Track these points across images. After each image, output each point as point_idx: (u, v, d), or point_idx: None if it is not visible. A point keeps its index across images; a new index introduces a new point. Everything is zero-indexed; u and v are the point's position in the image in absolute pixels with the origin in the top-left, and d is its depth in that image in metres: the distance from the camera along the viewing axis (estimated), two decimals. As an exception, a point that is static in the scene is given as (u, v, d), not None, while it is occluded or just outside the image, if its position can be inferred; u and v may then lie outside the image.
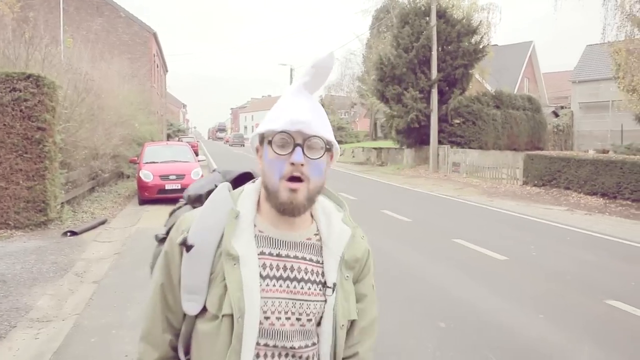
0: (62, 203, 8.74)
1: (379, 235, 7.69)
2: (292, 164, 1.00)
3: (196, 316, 1.05)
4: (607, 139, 24.94)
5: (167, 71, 39.84)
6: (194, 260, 1.04)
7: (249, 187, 1.12)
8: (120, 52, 22.52)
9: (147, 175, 10.97)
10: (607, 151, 21.03)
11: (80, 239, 7.38)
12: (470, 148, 20.84)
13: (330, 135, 1.06)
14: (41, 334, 3.90)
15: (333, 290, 1.07)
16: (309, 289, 1.06)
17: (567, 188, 14.03)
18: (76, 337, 3.85)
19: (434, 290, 5.30)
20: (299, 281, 1.06)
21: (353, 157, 31.43)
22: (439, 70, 20.41)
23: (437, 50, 20.38)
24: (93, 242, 7.20)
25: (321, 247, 1.10)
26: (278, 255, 1.06)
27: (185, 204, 1.27)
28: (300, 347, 1.05)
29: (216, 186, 1.15)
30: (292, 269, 1.06)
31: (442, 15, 20.87)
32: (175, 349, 1.11)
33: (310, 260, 1.08)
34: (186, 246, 1.04)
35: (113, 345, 3.68)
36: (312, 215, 1.13)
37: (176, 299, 1.07)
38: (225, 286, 1.01)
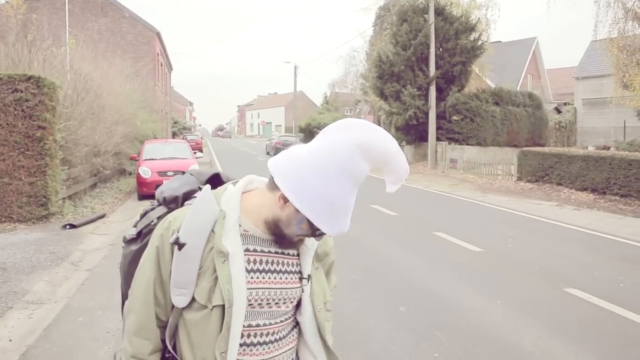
0: (63, 198, 9.18)
1: (363, 228, 8.04)
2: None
3: (183, 308, 1.15)
4: (610, 135, 24.91)
5: (171, 69, 40.29)
6: (184, 257, 1.12)
7: (231, 189, 1.20)
8: (123, 51, 23.03)
9: (146, 171, 11.40)
10: (609, 147, 21.10)
11: (78, 231, 7.80)
12: (468, 145, 21.05)
13: None
14: (34, 314, 4.31)
15: (308, 281, 1.24)
16: (288, 278, 1.21)
17: (559, 184, 14.25)
18: (65, 317, 4.27)
19: (402, 278, 5.63)
20: (279, 273, 1.20)
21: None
22: (437, 68, 20.63)
23: (435, 47, 20.60)
24: (91, 235, 7.62)
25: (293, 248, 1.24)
26: (262, 251, 1.18)
27: (159, 205, 1.32)
28: (276, 323, 1.20)
29: (200, 188, 1.25)
30: (272, 263, 1.19)
31: (440, 12, 21.06)
32: (163, 340, 1.20)
33: (288, 254, 1.23)
34: (179, 244, 1.11)
35: (98, 324, 4.08)
36: None
37: (165, 294, 1.16)
38: (215, 280, 1.11)
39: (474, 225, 9.06)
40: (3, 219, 8.02)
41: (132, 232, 1.31)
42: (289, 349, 1.25)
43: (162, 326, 1.20)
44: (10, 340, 3.78)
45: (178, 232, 1.13)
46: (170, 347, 1.20)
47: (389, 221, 9.31)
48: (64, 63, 11.23)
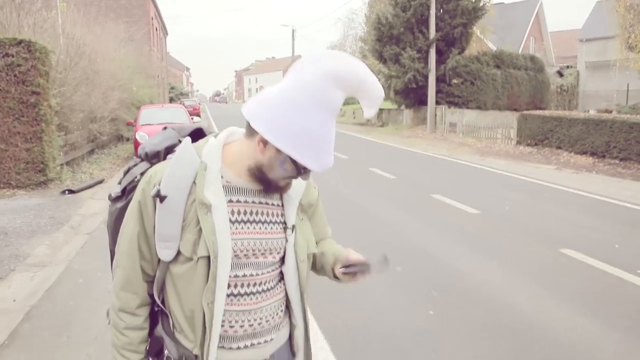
0: (61, 164, 9.17)
1: (361, 191, 8.08)
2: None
3: (169, 261, 1.15)
4: (612, 99, 24.65)
5: (167, 34, 39.49)
6: (167, 210, 1.11)
7: (213, 141, 1.19)
8: (116, 15, 22.49)
9: (143, 136, 11.33)
10: (611, 111, 20.89)
11: (77, 197, 7.84)
12: (468, 108, 20.86)
13: None
14: (36, 276, 4.38)
15: (292, 231, 1.23)
16: (272, 229, 1.20)
17: (559, 147, 14.20)
18: (66, 279, 4.35)
19: (399, 239, 5.70)
20: (263, 223, 1.19)
21: (354, 118, 31.47)
22: (437, 30, 20.21)
23: (436, 8, 20.10)
24: (89, 200, 7.66)
25: (281, 193, 1.23)
26: (245, 202, 1.17)
27: (141, 161, 1.30)
28: (262, 274, 1.20)
29: (180, 141, 1.23)
30: (257, 213, 1.18)
31: (441, -28, 20.48)
32: (150, 294, 1.21)
33: (272, 204, 1.21)
34: (160, 197, 1.11)
35: (97, 285, 4.15)
36: None
37: (150, 248, 1.16)
38: (199, 232, 1.10)
39: (472, 188, 9.09)
40: (2, 185, 8.04)
41: (117, 189, 1.30)
42: (276, 300, 1.25)
43: (150, 281, 1.21)
44: (14, 301, 3.86)
45: (159, 185, 1.12)
46: (159, 302, 1.21)
47: (387, 184, 9.33)
48: (56, 27, 10.97)
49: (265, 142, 1.10)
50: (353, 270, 1.25)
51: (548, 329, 3.48)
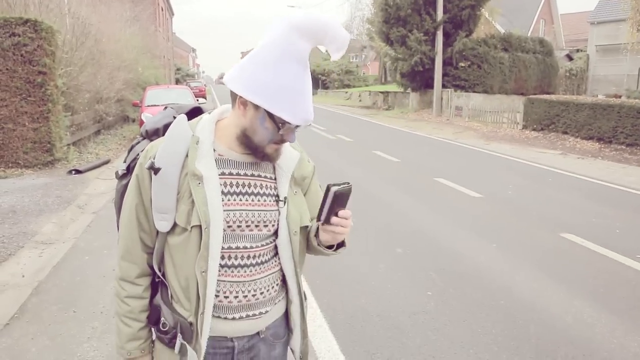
0: (68, 144, 9.26)
1: (365, 173, 8.11)
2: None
3: (167, 233, 1.20)
4: (622, 83, 24.27)
5: (173, 14, 39.18)
6: (161, 182, 1.16)
7: (206, 117, 1.23)
8: (122, -6, 22.28)
9: (148, 117, 11.35)
10: (620, 96, 20.64)
11: (84, 176, 7.93)
12: (474, 92, 20.69)
13: None
14: (44, 253, 4.49)
15: (284, 203, 1.25)
16: (264, 201, 1.23)
17: (565, 132, 14.12)
18: (73, 256, 4.45)
19: (400, 221, 5.75)
20: (255, 195, 1.22)
21: (360, 101, 31.32)
22: (444, 12, 19.94)
23: (444, -10, 19.81)
24: (95, 180, 7.75)
25: (274, 166, 1.26)
26: (237, 174, 1.20)
27: (143, 138, 1.37)
28: (257, 247, 1.23)
29: (174, 118, 1.27)
30: (249, 186, 1.21)
31: (450, -48, 20.10)
32: (150, 265, 1.26)
33: (265, 177, 1.24)
34: (154, 169, 1.16)
35: (103, 262, 4.25)
36: None
37: (149, 219, 1.21)
38: (192, 202, 1.14)
39: (475, 172, 9.09)
40: (10, 165, 8.15)
41: (122, 167, 1.35)
42: (271, 273, 1.28)
43: (150, 252, 1.26)
44: (23, 276, 3.97)
45: (154, 159, 1.17)
46: (159, 273, 1.27)
47: (391, 167, 9.36)
48: (61, 6, 10.94)
49: (244, 104, 1.15)
50: (325, 212, 1.16)
51: (544, 311, 3.54)
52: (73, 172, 8.11)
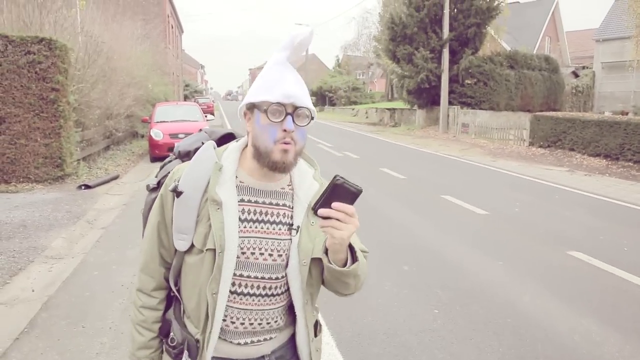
0: (78, 160, 9.39)
1: (371, 190, 8.14)
2: (285, 130, 1.16)
3: (185, 252, 1.25)
4: (629, 100, 24.23)
5: (182, 32, 39.85)
6: (183, 205, 1.22)
7: (233, 145, 1.29)
8: (133, 13, 22.76)
9: (158, 134, 11.53)
10: (627, 113, 20.61)
11: (93, 192, 8.03)
12: (481, 109, 20.78)
13: (312, 106, 1.23)
14: (54, 268, 4.55)
15: (297, 232, 1.25)
16: (279, 229, 1.24)
17: (572, 149, 14.10)
18: (82, 271, 4.50)
19: (406, 238, 5.76)
20: (271, 223, 1.24)
21: (367, 117, 31.48)
22: (450, 30, 20.16)
23: (450, 8, 20.07)
24: (105, 195, 7.85)
25: (293, 195, 1.27)
26: (256, 202, 1.23)
27: (175, 158, 1.45)
28: (270, 278, 1.24)
29: (203, 144, 1.32)
30: (266, 214, 1.24)
31: (455, -29, 20.39)
32: (167, 280, 1.31)
33: (284, 205, 1.26)
34: (177, 192, 1.22)
35: (112, 277, 4.30)
36: None
37: (169, 237, 1.27)
38: (210, 226, 1.18)
39: (482, 189, 9.10)
40: (21, 179, 8.27)
41: (153, 182, 1.44)
42: (280, 306, 1.30)
43: (168, 267, 1.32)
44: (33, 291, 4.02)
45: (178, 182, 1.23)
46: (174, 288, 1.32)
47: (398, 184, 9.39)
48: (75, 25, 11.21)
49: (245, 114, 1.25)
50: (320, 200, 1.06)
51: (552, 329, 3.52)
52: (83, 187, 8.21)
